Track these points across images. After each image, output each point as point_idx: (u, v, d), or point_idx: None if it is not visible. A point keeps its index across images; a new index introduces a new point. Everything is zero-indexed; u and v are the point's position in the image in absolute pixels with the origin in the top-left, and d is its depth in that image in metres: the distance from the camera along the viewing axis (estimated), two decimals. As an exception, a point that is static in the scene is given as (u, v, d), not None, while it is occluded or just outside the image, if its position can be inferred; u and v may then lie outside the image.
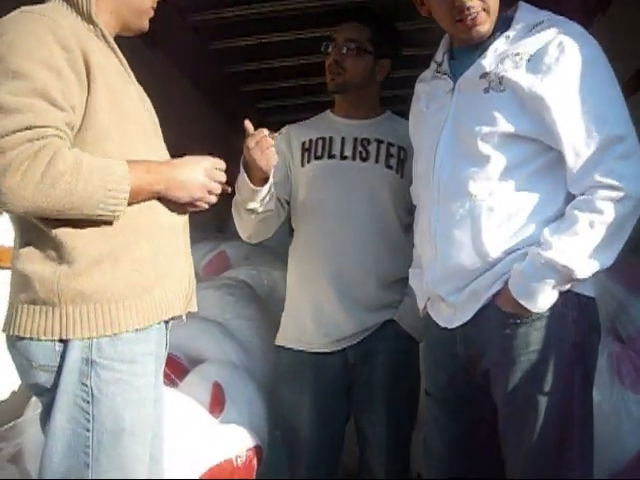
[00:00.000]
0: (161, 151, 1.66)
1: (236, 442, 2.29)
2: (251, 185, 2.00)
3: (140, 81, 1.68)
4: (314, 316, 2.24)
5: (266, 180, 2.01)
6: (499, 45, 1.69)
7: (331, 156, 2.29)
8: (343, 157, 2.28)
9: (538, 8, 1.74)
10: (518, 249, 1.64)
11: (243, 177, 2.01)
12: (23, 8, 1.51)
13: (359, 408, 2.27)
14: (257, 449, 2.35)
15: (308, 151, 2.31)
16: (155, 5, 1.68)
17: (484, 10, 1.69)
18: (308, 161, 2.30)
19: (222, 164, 1.63)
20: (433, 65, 1.87)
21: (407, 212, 2.26)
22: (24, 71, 1.40)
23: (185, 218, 1.65)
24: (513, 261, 1.63)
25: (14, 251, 1.54)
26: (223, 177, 1.63)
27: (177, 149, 1.69)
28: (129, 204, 1.47)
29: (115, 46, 1.60)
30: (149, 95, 1.70)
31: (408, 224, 2.23)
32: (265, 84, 4.66)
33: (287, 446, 2.32)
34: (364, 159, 2.27)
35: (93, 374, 1.46)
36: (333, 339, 2.22)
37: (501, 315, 1.65)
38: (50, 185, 1.38)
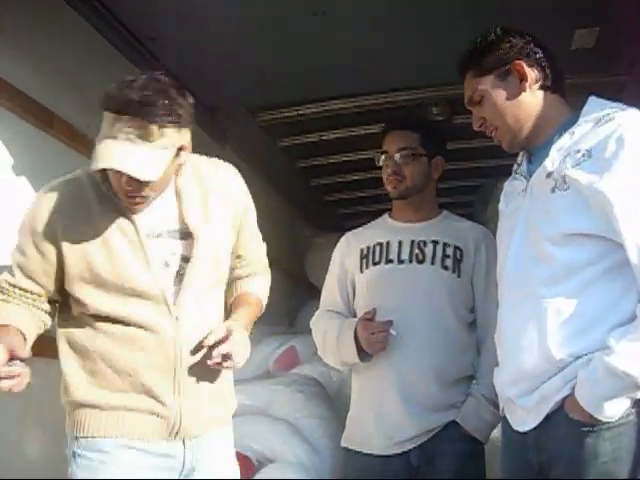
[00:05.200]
0: None
1: None
2: (357, 358, 2.19)
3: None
4: (376, 418, 2.23)
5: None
6: (563, 143, 1.65)
7: (389, 261, 2.32)
8: (400, 261, 2.31)
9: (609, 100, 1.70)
10: (586, 353, 1.57)
11: (352, 347, 2.18)
12: None
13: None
14: None
15: (366, 257, 2.35)
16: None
17: (486, 128, 1.77)
18: (367, 267, 2.34)
19: None
20: (515, 166, 1.86)
21: (468, 310, 2.27)
22: None
23: None
24: (581, 365, 1.56)
25: None
26: None
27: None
28: None
29: None
30: None
31: (470, 322, 2.26)
32: (332, 177, 4.78)
33: None
34: (420, 261, 2.29)
35: None
36: (396, 441, 2.20)
37: (570, 422, 1.58)
38: None
